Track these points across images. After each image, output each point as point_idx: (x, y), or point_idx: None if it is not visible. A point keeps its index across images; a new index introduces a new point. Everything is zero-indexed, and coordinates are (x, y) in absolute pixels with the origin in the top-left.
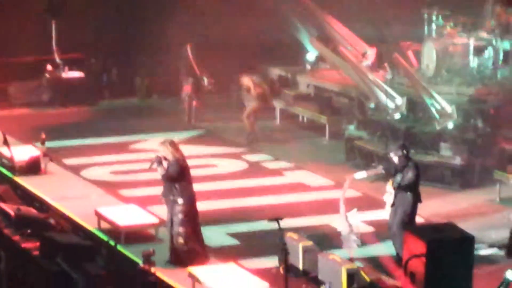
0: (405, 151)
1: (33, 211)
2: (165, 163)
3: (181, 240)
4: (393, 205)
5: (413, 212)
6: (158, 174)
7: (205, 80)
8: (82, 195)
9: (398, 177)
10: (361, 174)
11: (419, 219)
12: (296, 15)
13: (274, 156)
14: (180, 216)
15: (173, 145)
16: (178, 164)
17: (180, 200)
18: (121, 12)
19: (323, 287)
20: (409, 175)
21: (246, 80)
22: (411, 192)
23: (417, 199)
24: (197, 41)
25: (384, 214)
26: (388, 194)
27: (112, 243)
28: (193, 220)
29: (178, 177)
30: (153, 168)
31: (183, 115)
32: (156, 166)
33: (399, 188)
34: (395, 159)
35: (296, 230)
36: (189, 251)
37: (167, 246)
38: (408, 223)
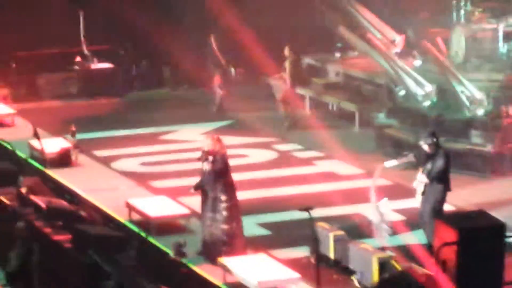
0: (435, 139)
1: (64, 203)
2: (209, 158)
3: (224, 238)
4: (423, 193)
5: (443, 200)
6: (188, 166)
7: (232, 71)
8: (113, 186)
9: (429, 165)
10: (391, 163)
11: (450, 207)
12: (325, 3)
13: (304, 145)
14: (224, 213)
15: (220, 141)
16: (224, 160)
17: (223, 197)
18: (149, 1)
19: (354, 276)
20: (440, 163)
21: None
22: (441, 180)
23: (446, 187)
24: (225, 31)
25: (414, 203)
26: (418, 182)
27: (143, 234)
28: (236, 216)
29: (224, 173)
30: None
31: (212, 106)
32: (203, 161)
33: (429, 177)
34: (425, 147)
35: (327, 219)
36: (232, 249)
37: (198, 237)
38: (438, 211)
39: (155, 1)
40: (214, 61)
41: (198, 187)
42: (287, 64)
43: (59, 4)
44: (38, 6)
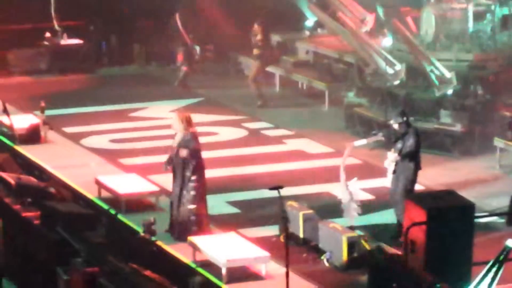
0: (405, 118)
1: (33, 180)
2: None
3: (192, 217)
4: (394, 172)
5: (414, 179)
6: (158, 143)
7: (197, 49)
8: (82, 163)
9: (399, 144)
10: (361, 142)
11: (419, 187)
12: None
13: (274, 123)
14: (192, 193)
15: (189, 119)
16: (196, 138)
17: (193, 177)
18: None
19: (324, 255)
20: (410, 141)
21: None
22: (412, 159)
23: (417, 166)
24: (193, 8)
25: (385, 182)
26: (389, 161)
27: (112, 211)
28: (203, 195)
29: (196, 152)
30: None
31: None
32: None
33: (400, 155)
34: (396, 126)
35: (296, 198)
36: (198, 228)
37: (168, 214)
38: (409, 191)
39: None
40: (180, 39)
41: (170, 163)
42: (257, 40)
43: None
44: None
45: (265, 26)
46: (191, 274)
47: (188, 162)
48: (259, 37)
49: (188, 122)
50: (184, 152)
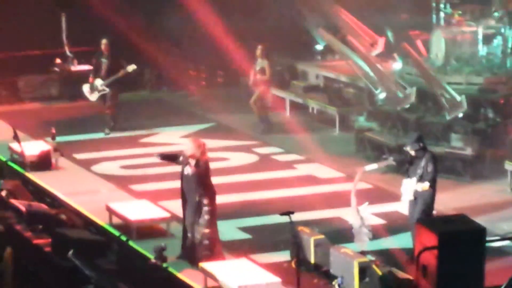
0: (421, 143)
1: (44, 206)
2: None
3: (206, 241)
4: (414, 198)
5: (432, 204)
6: (169, 169)
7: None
8: (93, 190)
9: (419, 170)
10: (372, 166)
11: None
12: (304, 5)
13: (284, 148)
14: (206, 217)
15: (203, 145)
16: (207, 164)
17: (205, 201)
18: (131, 4)
19: (335, 281)
20: (431, 167)
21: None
22: (432, 184)
23: (435, 191)
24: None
25: (398, 206)
26: (408, 188)
27: (123, 238)
28: (215, 220)
29: (206, 177)
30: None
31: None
32: (185, 165)
33: (422, 181)
34: (412, 152)
35: (307, 223)
36: (211, 253)
37: (179, 241)
38: (428, 216)
39: (137, 2)
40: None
41: (165, 157)
42: (260, 65)
43: (40, 6)
44: (19, 7)
45: (267, 51)
46: None
47: (199, 187)
48: (261, 62)
49: (203, 150)
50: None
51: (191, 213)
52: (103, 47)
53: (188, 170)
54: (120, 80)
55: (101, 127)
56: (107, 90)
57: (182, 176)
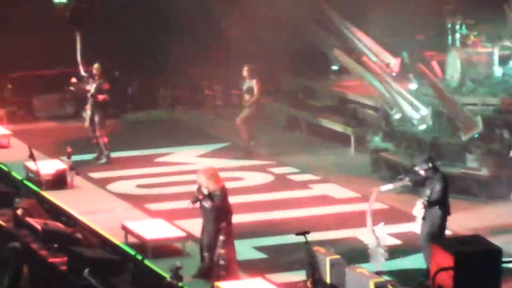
0: (430, 164)
1: (60, 225)
2: (204, 190)
3: (222, 262)
4: (423, 218)
5: (442, 224)
6: (184, 188)
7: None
8: (109, 209)
9: (427, 191)
10: (387, 187)
11: (446, 232)
12: (320, 26)
13: (300, 168)
14: (222, 237)
15: (216, 174)
16: (223, 193)
17: (223, 222)
18: (145, 23)
19: None
20: (438, 188)
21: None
22: (440, 204)
23: (446, 211)
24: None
25: (412, 227)
26: (419, 209)
27: (139, 257)
28: (232, 240)
29: (224, 207)
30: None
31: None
32: (200, 200)
33: (428, 201)
34: (422, 172)
35: (323, 243)
36: (227, 273)
37: (195, 260)
38: (437, 236)
39: (151, 22)
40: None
41: (196, 201)
42: (247, 85)
43: (55, 25)
44: (34, 27)
45: (255, 71)
46: None
47: (216, 210)
48: (248, 82)
49: (216, 178)
50: (209, 204)
51: (208, 232)
52: (94, 71)
53: (205, 203)
54: (105, 105)
55: (116, 146)
56: (89, 113)
57: (200, 205)
